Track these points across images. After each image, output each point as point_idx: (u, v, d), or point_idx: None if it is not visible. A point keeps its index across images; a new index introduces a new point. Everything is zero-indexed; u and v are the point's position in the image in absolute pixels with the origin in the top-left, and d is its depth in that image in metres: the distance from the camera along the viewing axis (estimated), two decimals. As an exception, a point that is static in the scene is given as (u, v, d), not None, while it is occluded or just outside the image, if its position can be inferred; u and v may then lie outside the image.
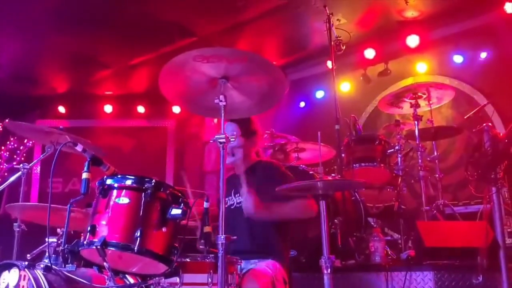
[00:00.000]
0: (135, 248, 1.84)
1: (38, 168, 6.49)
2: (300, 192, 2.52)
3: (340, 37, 4.12)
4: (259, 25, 5.30)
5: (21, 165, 2.94)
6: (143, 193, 1.95)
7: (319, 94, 6.35)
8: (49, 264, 2.09)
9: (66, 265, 1.96)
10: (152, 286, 1.97)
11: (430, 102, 4.16)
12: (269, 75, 2.20)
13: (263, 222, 2.64)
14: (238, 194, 2.77)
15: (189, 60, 2.09)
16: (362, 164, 4.02)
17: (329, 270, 2.20)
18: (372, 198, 4.18)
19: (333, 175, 4.01)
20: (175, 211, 1.95)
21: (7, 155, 6.34)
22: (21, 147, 6.45)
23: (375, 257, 3.31)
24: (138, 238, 1.85)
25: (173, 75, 2.19)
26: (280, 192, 2.56)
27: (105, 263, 1.87)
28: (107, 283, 1.99)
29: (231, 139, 2.11)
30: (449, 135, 4.70)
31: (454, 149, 5.17)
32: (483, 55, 5.22)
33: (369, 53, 5.77)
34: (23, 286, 2.09)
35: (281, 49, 6.01)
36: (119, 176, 2.02)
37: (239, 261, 2.23)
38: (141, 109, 7.03)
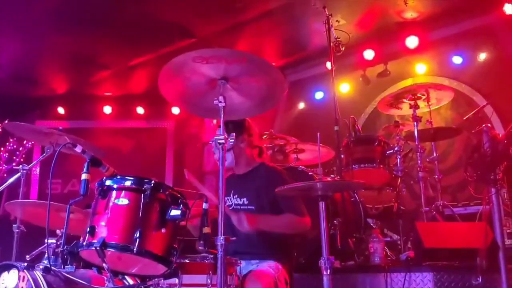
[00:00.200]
0: (134, 249, 1.84)
1: (38, 169, 6.49)
2: (300, 193, 2.53)
3: (339, 38, 4.13)
4: (259, 26, 5.30)
5: (20, 166, 2.94)
6: (142, 194, 1.95)
7: (318, 95, 6.36)
8: (48, 265, 2.09)
9: (66, 266, 1.96)
10: (151, 287, 1.97)
11: (429, 103, 4.16)
12: (269, 76, 2.20)
13: None
14: (237, 195, 2.77)
15: (188, 61, 2.09)
16: (362, 165, 4.02)
17: (328, 271, 2.20)
18: (372, 199, 4.18)
19: (332, 176, 4.01)
20: (174, 212, 1.95)
21: (6, 156, 6.34)
22: (21, 148, 6.45)
23: (375, 258, 3.31)
24: (138, 239, 1.85)
25: (172, 76, 2.19)
26: (278, 197, 2.57)
27: (104, 264, 1.87)
28: (106, 284, 1.99)
29: (230, 140, 2.11)
30: (448, 136, 4.70)
31: (453, 150, 5.17)
32: (482, 56, 5.23)
33: (369, 54, 5.77)
34: (22, 287, 2.09)
35: (281, 50, 6.01)
36: (118, 177, 2.02)
37: (239, 262, 2.23)
38: (140, 110, 7.03)
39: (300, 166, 3.82)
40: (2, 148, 6.26)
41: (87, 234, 1.89)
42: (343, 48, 4.11)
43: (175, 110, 6.86)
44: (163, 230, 1.93)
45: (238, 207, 2.73)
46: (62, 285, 2.08)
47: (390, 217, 4.07)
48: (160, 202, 1.98)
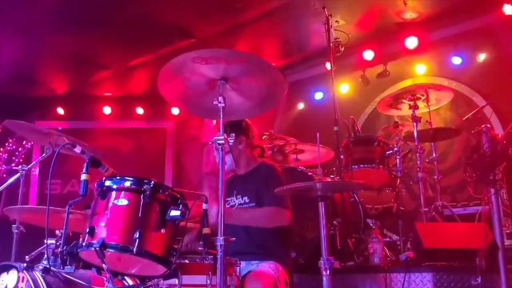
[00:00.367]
0: (134, 250, 1.84)
1: (37, 170, 6.49)
2: (299, 193, 2.53)
3: (338, 38, 4.13)
4: (258, 26, 5.30)
5: (19, 166, 2.93)
6: (142, 195, 1.95)
7: (318, 95, 6.36)
8: (48, 266, 2.09)
9: (65, 267, 1.96)
10: (150, 288, 1.97)
11: (429, 103, 4.17)
12: (268, 77, 2.20)
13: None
14: (239, 195, 2.78)
15: (188, 62, 2.09)
16: (361, 165, 4.02)
17: (328, 271, 2.20)
18: (371, 200, 4.18)
19: (332, 176, 4.01)
20: (174, 213, 1.95)
21: (5, 157, 6.34)
22: (20, 149, 6.45)
23: (374, 259, 3.31)
24: (137, 240, 1.85)
25: (172, 77, 2.19)
26: (274, 195, 2.57)
27: (104, 265, 1.87)
28: (106, 285, 1.99)
29: (229, 140, 2.11)
30: (447, 137, 4.70)
31: (453, 151, 5.18)
32: (482, 56, 5.23)
33: (368, 55, 5.77)
34: (21, 288, 2.09)
35: (280, 50, 6.01)
36: (117, 177, 2.02)
37: (238, 262, 2.23)
38: (140, 110, 7.03)
39: (300, 167, 3.82)
40: (1, 149, 6.27)
41: (87, 235, 1.89)
42: (343, 49, 4.11)
43: (175, 111, 6.87)
44: (162, 231, 1.93)
45: (241, 206, 2.75)
46: (62, 285, 2.08)
47: (390, 218, 4.08)
48: (160, 202, 1.97)
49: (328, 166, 4.25)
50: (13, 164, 6.14)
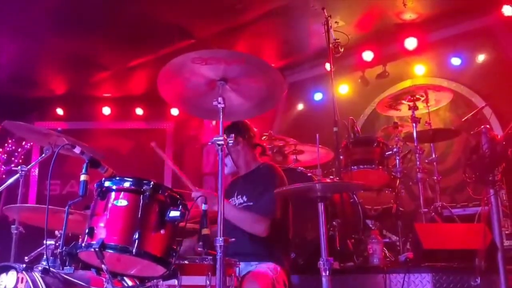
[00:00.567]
0: (133, 251, 1.84)
1: (36, 170, 6.48)
2: (299, 194, 2.53)
3: (338, 39, 4.13)
4: (258, 27, 5.30)
5: (19, 167, 2.93)
6: (141, 195, 1.95)
7: (318, 96, 6.36)
8: (47, 267, 2.08)
9: (64, 268, 1.96)
10: (150, 288, 1.96)
11: (428, 104, 4.17)
12: (268, 77, 2.21)
13: None
14: (239, 195, 2.78)
15: (187, 62, 2.10)
16: (361, 166, 4.02)
17: (327, 272, 2.20)
18: (370, 200, 4.18)
19: (331, 177, 4.01)
20: (174, 213, 1.95)
21: (5, 157, 6.34)
22: (19, 149, 6.45)
23: (374, 259, 3.31)
24: (136, 240, 1.85)
25: (171, 77, 2.19)
26: (265, 201, 2.57)
27: (103, 266, 1.87)
28: (105, 286, 1.98)
29: (229, 141, 2.11)
30: (447, 137, 4.70)
31: (452, 151, 5.18)
32: (481, 57, 5.23)
33: (367, 56, 5.78)
34: (20, 289, 2.09)
35: (280, 51, 6.01)
36: (117, 178, 2.02)
37: (238, 263, 2.22)
38: (139, 111, 7.03)
39: (299, 167, 3.82)
40: (0, 149, 6.26)
41: (86, 235, 1.89)
42: (342, 49, 4.11)
43: (174, 111, 6.86)
44: (162, 231, 1.93)
45: (241, 205, 2.75)
46: (61, 286, 2.08)
47: (389, 218, 4.08)
48: (159, 203, 1.97)
49: (328, 166, 4.25)
50: (12, 165, 6.14)
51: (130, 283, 2.17)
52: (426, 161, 4.34)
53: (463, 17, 5.18)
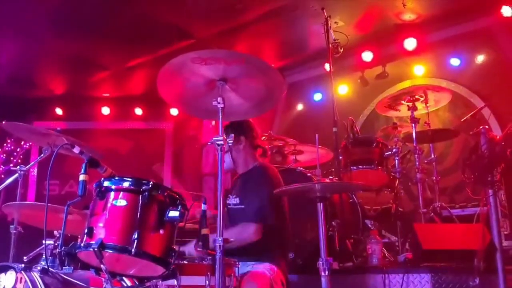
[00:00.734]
0: (133, 251, 1.84)
1: (35, 170, 6.47)
2: (298, 194, 2.53)
3: (338, 39, 4.13)
4: (257, 27, 5.30)
5: (18, 167, 2.93)
6: (140, 195, 1.94)
7: (317, 96, 6.36)
8: (46, 267, 2.08)
9: (63, 268, 1.96)
10: (149, 288, 1.96)
11: (427, 104, 4.17)
12: (267, 77, 2.21)
13: None
14: (234, 195, 2.80)
15: (187, 62, 2.09)
16: (360, 166, 4.02)
17: (326, 272, 2.20)
18: (370, 201, 4.19)
19: (330, 177, 4.01)
20: (173, 213, 1.95)
21: (4, 157, 6.33)
22: (18, 149, 6.44)
23: (373, 260, 3.31)
24: (136, 241, 1.85)
25: (171, 77, 2.19)
26: (253, 205, 2.56)
27: (102, 266, 1.86)
28: (104, 286, 1.98)
29: (228, 141, 2.11)
30: (446, 138, 4.71)
31: (451, 152, 5.18)
32: (480, 58, 5.24)
33: (367, 56, 5.78)
34: (19, 289, 2.09)
35: (279, 51, 6.02)
36: (116, 178, 2.02)
37: (237, 263, 2.23)
38: (138, 111, 7.02)
39: (299, 168, 3.82)
40: (-1, 149, 6.25)
41: (85, 235, 1.88)
42: (342, 50, 4.12)
43: (174, 111, 6.86)
44: (161, 231, 1.93)
45: (234, 206, 2.78)
46: (60, 286, 2.08)
47: (388, 219, 4.07)
48: (159, 203, 1.97)
49: (327, 167, 4.25)
50: (11, 165, 6.13)
51: (129, 283, 2.17)
52: (425, 161, 4.34)
53: (462, 18, 5.18)
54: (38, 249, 2.56)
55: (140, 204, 1.93)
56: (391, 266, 3.33)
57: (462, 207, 4.45)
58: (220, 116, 2.14)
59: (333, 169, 4.11)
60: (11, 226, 2.96)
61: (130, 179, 1.99)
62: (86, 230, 1.89)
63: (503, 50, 5.03)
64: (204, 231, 2.06)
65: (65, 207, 2.02)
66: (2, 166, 6.24)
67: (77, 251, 1.91)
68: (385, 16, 5.23)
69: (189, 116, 6.09)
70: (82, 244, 1.89)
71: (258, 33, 5.47)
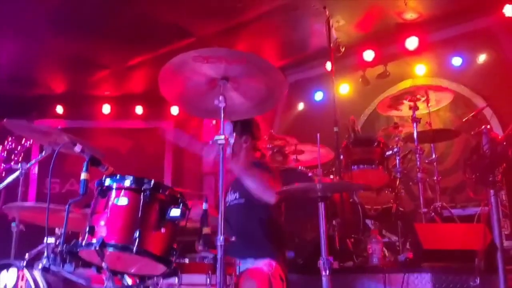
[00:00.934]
0: (134, 249, 1.84)
1: (36, 169, 6.47)
2: (299, 194, 2.53)
3: (339, 39, 4.12)
4: (258, 26, 5.30)
5: (19, 165, 2.93)
6: (141, 194, 1.95)
7: (318, 96, 6.35)
8: (48, 265, 2.08)
9: (65, 266, 1.96)
10: (150, 287, 1.96)
11: (429, 104, 4.16)
12: (269, 77, 2.20)
13: (255, 220, 2.66)
14: (233, 191, 2.82)
15: (188, 61, 2.09)
16: (361, 166, 4.02)
17: (327, 271, 2.20)
18: (370, 200, 4.18)
19: (331, 177, 4.01)
20: (174, 212, 1.95)
21: (4, 155, 6.33)
22: (19, 148, 6.43)
23: (373, 259, 3.31)
24: (137, 239, 1.85)
25: (172, 76, 2.19)
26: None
27: (103, 264, 1.87)
28: (105, 284, 1.99)
29: (230, 140, 2.11)
30: (447, 138, 4.70)
31: (452, 152, 5.18)
32: (482, 57, 5.23)
33: (368, 55, 5.77)
34: (21, 286, 2.09)
35: (280, 50, 6.01)
36: (117, 176, 2.02)
37: (238, 262, 2.23)
38: (139, 110, 7.02)
39: (300, 167, 3.82)
40: (0, 147, 6.25)
41: (87, 234, 1.89)
42: (343, 49, 4.11)
43: (174, 110, 6.86)
44: (162, 230, 1.93)
45: (233, 202, 2.78)
46: (61, 284, 2.08)
47: (389, 218, 4.07)
48: (160, 202, 1.98)
49: (328, 166, 4.25)
50: (12, 163, 6.12)
51: (130, 281, 2.17)
52: (426, 161, 4.34)
53: (464, 17, 5.17)
54: (39, 247, 2.56)
55: (141, 202, 1.94)
56: (391, 266, 3.33)
57: (463, 207, 4.45)
58: (221, 115, 2.13)
59: (334, 169, 4.11)
60: (12, 224, 2.96)
61: (131, 178, 1.99)
62: (87, 229, 1.90)
63: (505, 50, 5.02)
64: (206, 230, 2.07)
65: (67, 206, 2.02)
66: (3, 164, 6.24)
67: (78, 249, 1.92)
68: (387, 15, 5.22)
69: (189, 115, 6.09)
70: (83, 243, 1.90)
71: (259, 32, 5.46)
